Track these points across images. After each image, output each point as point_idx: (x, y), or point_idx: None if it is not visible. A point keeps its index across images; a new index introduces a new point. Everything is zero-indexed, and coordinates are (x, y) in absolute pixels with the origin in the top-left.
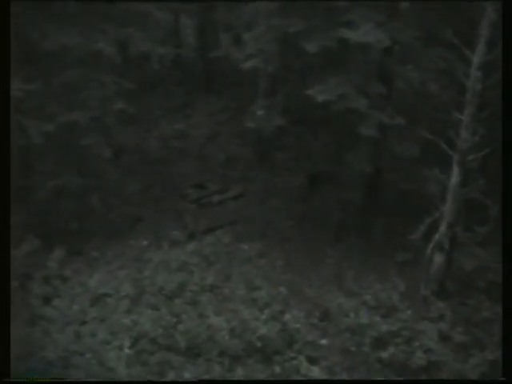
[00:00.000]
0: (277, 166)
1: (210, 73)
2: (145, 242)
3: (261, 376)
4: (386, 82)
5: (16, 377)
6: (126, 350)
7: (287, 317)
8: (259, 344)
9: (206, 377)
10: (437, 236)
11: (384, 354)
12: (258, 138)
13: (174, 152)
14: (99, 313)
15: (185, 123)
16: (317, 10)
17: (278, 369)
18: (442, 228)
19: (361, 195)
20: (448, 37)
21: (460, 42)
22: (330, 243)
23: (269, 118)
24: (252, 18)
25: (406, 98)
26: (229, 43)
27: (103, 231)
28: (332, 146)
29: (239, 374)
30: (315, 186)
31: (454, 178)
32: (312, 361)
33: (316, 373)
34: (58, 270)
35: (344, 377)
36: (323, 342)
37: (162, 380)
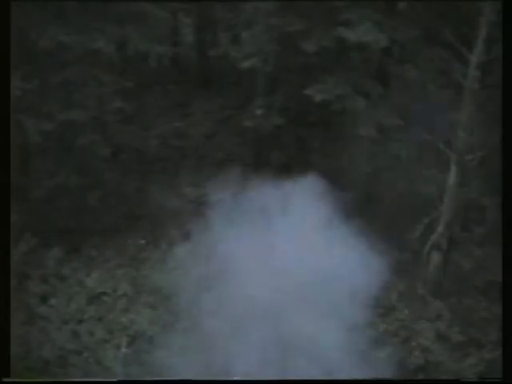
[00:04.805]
0: (275, 166)
1: (209, 72)
2: (142, 241)
3: None
4: (384, 82)
5: (14, 376)
6: (124, 349)
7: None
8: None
9: (204, 376)
10: (434, 236)
11: (381, 354)
12: (257, 138)
13: (172, 151)
14: (96, 312)
15: (183, 122)
16: (315, 10)
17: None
18: (440, 228)
19: (359, 195)
20: (446, 37)
21: (458, 41)
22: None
23: (267, 117)
24: (251, 17)
25: (404, 98)
26: (227, 42)
27: (101, 230)
28: (330, 145)
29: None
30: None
31: (452, 177)
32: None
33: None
34: (56, 269)
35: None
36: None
37: (160, 379)
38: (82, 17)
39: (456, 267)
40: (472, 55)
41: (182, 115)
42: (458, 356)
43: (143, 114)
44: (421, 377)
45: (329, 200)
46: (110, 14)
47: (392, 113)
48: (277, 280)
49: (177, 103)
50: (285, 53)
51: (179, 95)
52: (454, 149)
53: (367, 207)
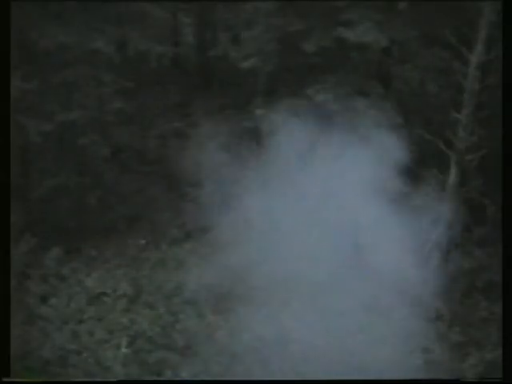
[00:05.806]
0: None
1: (209, 72)
2: (143, 241)
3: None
4: (385, 82)
5: (14, 376)
6: (124, 349)
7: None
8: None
9: (204, 376)
10: (435, 236)
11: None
12: (257, 138)
13: (173, 151)
14: (96, 312)
15: (183, 122)
16: (315, 10)
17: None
18: (440, 228)
19: None
20: (446, 37)
21: (458, 41)
22: None
23: (267, 117)
24: (251, 17)
25: (405, 98)
26: (227, 42)
27: (101, 230)
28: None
29: (237, 373)
30: None
31: (452, 177)
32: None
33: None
34: (56, 269)
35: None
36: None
37: (160, 379)
38: (82, 17)
39: (456, 267)
40: (472, 55)
41: (181, 115)
42: (457, 356)
43: (143, 114)
44: (421, 377)
45: None
46: (110, 14)
47: (392, 113)
48: None
49: (177, 103)
50: (285, 53)
51: (179, 95)
52: (455, 149)
53: None
